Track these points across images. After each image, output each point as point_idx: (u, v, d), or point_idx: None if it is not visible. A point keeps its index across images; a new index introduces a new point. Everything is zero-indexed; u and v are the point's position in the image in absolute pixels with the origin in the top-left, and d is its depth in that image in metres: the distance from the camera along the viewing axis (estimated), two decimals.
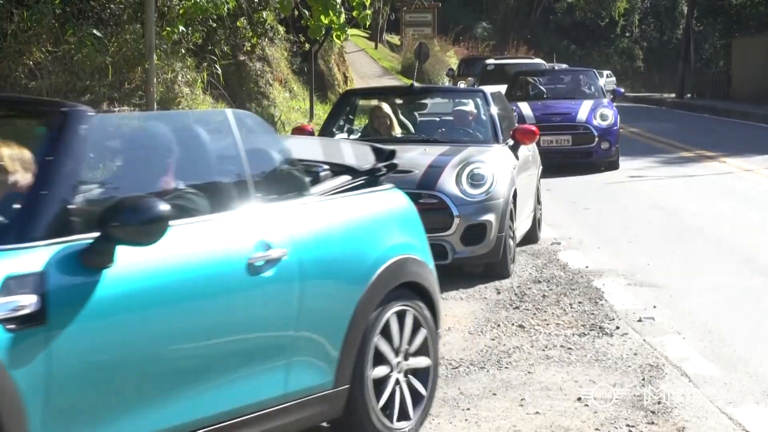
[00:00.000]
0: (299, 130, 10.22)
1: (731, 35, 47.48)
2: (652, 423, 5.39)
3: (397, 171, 8.33)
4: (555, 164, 16.05)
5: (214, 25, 16.75)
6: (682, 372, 6.27)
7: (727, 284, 8.77)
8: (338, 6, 16.61)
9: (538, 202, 11.09)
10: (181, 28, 15.12)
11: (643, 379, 6.12)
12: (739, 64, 44.02)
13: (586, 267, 9.52)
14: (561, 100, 18.20)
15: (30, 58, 13.60)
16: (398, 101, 10.68)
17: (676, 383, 6.07)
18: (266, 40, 19.87)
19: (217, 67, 16.87)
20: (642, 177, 16.48)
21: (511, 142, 9.93)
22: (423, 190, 8.57)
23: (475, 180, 8.77)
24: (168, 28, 15.04)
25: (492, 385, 6.06)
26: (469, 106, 10.40)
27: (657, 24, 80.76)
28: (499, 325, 7.42)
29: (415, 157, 9.07)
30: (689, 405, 5.68)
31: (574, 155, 17.01)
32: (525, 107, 17.22)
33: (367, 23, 20.05)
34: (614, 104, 18.05)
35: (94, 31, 14.12)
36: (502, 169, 9.08)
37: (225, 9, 15.71)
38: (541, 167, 11.51)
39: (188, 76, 15.50)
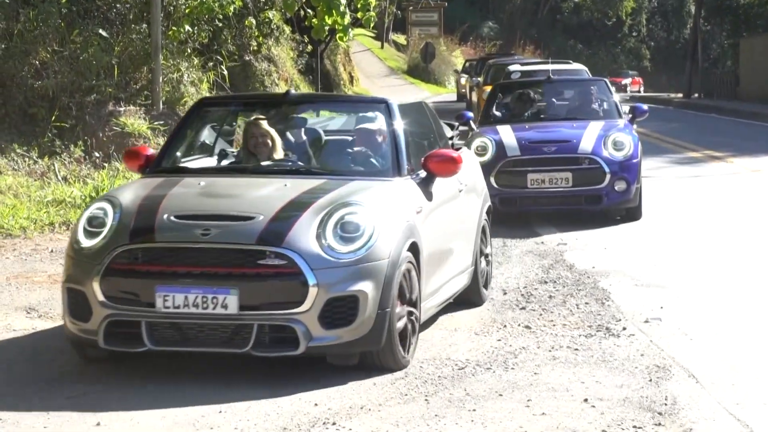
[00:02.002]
0: (133, 154, 7.45)
1: (739, 35, 47.46)
2: (659, 424, 5.37)
3: (231, 218, 6.19)
4: (548, 213, 12.46)
5: (220, 24, 16.76)
6: (690, 373, 6.24)
7: (734, 285, 8.74)
8: (342, 7, 16.61)
9: (484, 251, 8.45)
10: (187, 27, 15.13)
11: (650, 380, 6.10)
12: (746, 64, 43.98)
13: (593, 267, 9.49)
14: (559, 122, 13.23)
15: (36, 58, 13.60)
16: (272, 113, 7.70)
17: (684, 384, 6.04)
18: (272, 39, 19.87)
19: (223, 67, 16.88)
20: (649, 177, 16.42)
21: (423, 173, 7.14)
22: (265, 247, 6.01)
23: (346, 231, 6.17)
24: (174, 28, 15.05)
25: (498, 385, 6.04)
26: (377, 122, 7.41)
27: (664, 23, 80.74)
28: (505, 326, 7.40)
29: (267, 195, 6.51)
30: (696, 406, 5.65)
31: (577, 200, 12.10)
32: (506, 133, 12.45)
33: (371, 25, 20.07)
34: (635, 127, 13.33)
35: (100, 31, 14.13)
36: (392, 215, 6.41)
37: (231, 9, 15.72)
38: (488, 203, 8.64)
39: (194, 76, 15.50)
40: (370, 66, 49.47)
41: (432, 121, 8.13)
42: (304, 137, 7.55)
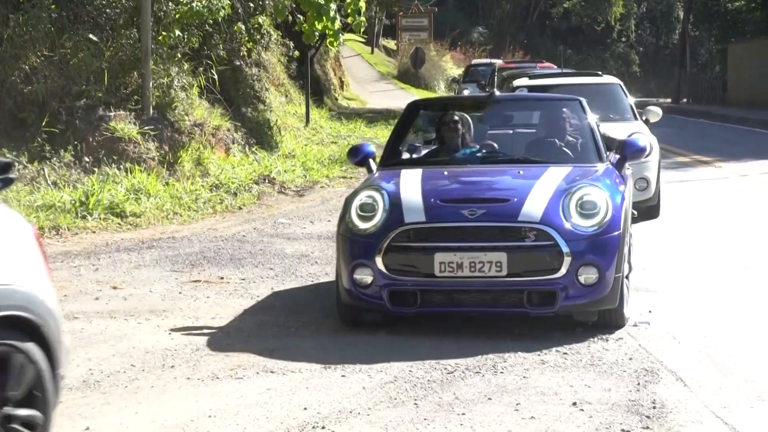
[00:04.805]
0: None
1: (727, 40, 47.63)
2: (647, 428, 5.39)
3: None
4: (464, 318, 7.58)
5: (210, 29, 16.76)
6: (677, 377, 6.27)
7: (723, 289, 8.77)
8: (333, 12, 16.65)
9: None
10: (177, 32, 15.14)
11: (639, 384, 6.12)
12: (734, 70, 44.15)
13: None
14: (500, 165, 8.28)
15: (26, 63, 13.61)
16: None
17: (672, 388, 6.07)
18: (262, 44, 19.89)
19: (213, 71, 16.88)
20: None
21: None
22: None
23: None
24: (164, 33, 15.06)
25: (487, 389, 6.06)
26: None
27: (653, 29, 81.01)
28: (494, 330, 7.42)
29: None
30: (684, 409, 5.68)
31: (515, 298, 7.20)
32: (410, 183, 7.65)
33: (362, 30, 20.11)
34: (624, 173, 8.43)
35: (90, 36, 14.14)
36: None
37: (221, 14, 15.74)
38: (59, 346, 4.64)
39: (184, 81, 15.51)
40: (360, 71, 49.47)
41: None
42: None
